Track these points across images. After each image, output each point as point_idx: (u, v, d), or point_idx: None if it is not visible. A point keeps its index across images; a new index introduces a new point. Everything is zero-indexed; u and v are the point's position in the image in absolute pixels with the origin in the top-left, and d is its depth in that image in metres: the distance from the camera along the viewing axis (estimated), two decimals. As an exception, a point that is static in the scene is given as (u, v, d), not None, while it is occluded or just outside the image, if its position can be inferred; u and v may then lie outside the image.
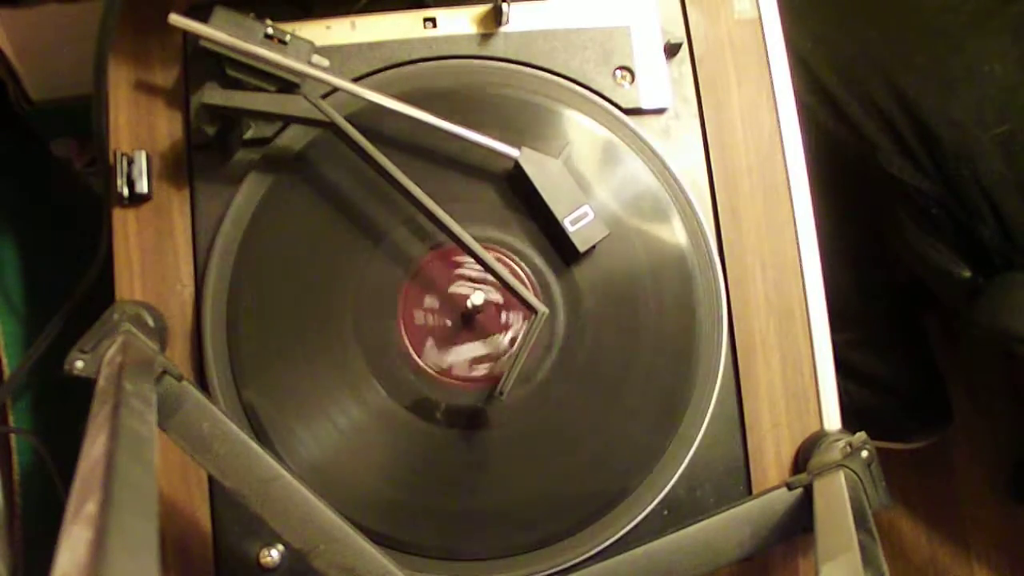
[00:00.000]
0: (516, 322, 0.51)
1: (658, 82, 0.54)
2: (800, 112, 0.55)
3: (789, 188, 0.54)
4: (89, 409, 0.36)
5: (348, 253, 0.51)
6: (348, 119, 0.49)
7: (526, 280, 0.51)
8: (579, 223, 0.50)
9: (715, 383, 0.52)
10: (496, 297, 0.51)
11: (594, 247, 0.51)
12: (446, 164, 0.52)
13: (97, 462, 0.31)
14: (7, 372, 0.60)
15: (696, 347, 0.51)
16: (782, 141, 0.55)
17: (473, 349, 0.51)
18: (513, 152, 0.50)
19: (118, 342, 0.42)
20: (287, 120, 0.51)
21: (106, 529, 0.27)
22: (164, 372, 0.42)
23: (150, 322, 0.47)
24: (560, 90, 0.54)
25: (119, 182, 0.50)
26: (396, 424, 0.49)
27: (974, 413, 1.01)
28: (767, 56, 0.56)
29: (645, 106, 0.54)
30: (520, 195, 0.52)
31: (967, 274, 0.69)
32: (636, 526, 0.50)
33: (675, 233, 0.53)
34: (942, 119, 0.65)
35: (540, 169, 0.50)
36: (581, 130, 0.53)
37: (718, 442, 0.51)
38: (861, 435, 0.47)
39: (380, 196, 0.51)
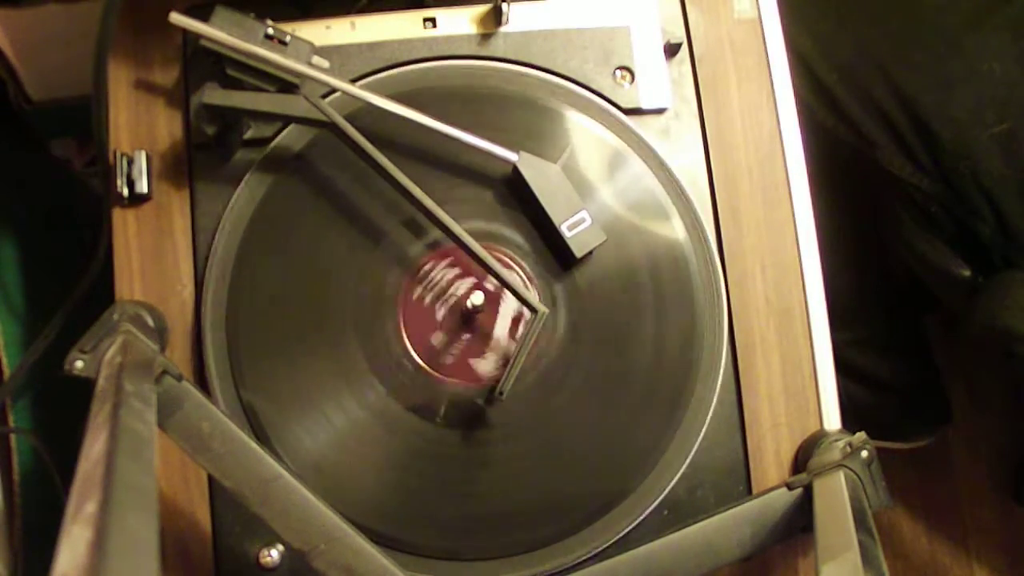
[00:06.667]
0: (516, 322, 0.51)
1: (658, 82, 0.54)
2: (800, 112, 0.55)
3: (789, 188, 0.54)
4: (89, 409, 0.36)
5: (348, 253, 0.51)
6: (348, 119, 0.49)
7: (526, 280, 0.51)
8: (576, 228, 0.50)
9: (715, 383, 0.52)
10: (496, 297, 0.51)
11: (591, 252, 0.51)
12: (446, 164, 0.52)
13: (97, 462, 0.31)
14: (7, 372, 0.60)
15: (696, 347, 0.51)
16: (782, 141, 0.55)
17: (473, 349, 0.51)
18: (512, 156, 0.50)
19: (118, 342, 0.42)
20: (287, 120, 0.51)
21: (106, 529, 0.27)
22: (164, 372, 0.42)
23: (150, 322, 0.47)
24: (560, 90, 0.54)
25: (119, 182, 0.50)
26: (396, 424, 0.49)
27: (974, 413, 1.01)
28: (767, 56, 0.56)
29: (645, 106, 0.54)
30: (519, 196, 0.52)
31: (967, 273, 0.69)
32: (636, 526, 0.50)
33: (675, 233, 0.53)
34: (942, 117, 0.65)
35: (538, 173, 0.50)
36: (581, 130, 0.53)
37: (718, 442, 0.51)
38: (861, 435, 0.47)
39: (380, 196, 0.51)
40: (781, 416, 0.52)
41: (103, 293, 0.51)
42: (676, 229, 0.53)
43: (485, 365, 0.50)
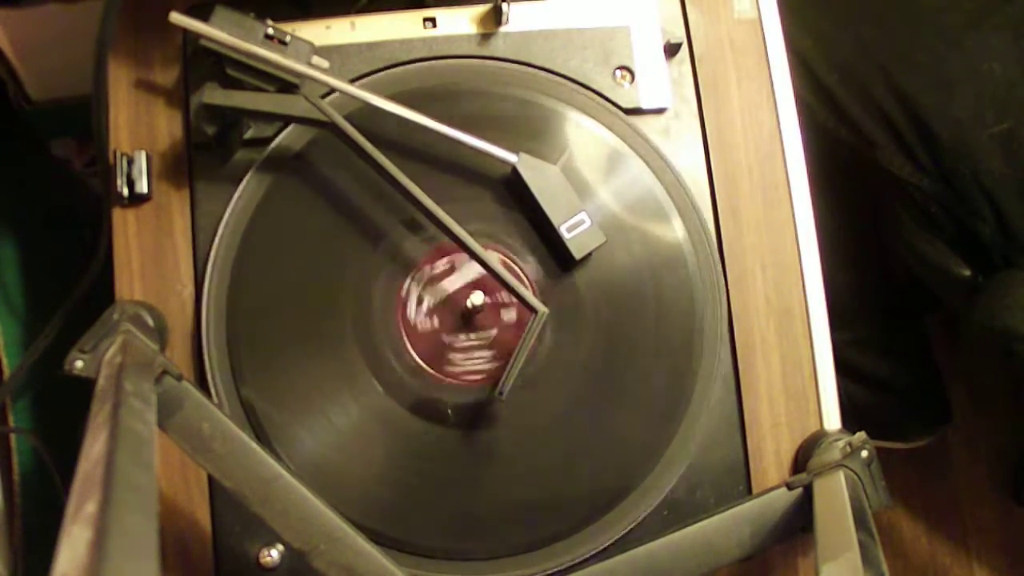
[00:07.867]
0: (516, 322, 0.51)
1: (658, 82, 0.54)
2: (800, 112, 0.55)
3: (789, 188, 0.54)
4: (89, 409, 0.36)
5: (348, 253, 0.51)
6: (348, 119, 0.49)
7: (526, 280, 0.51)
8: (576, 230, 0.50)
9: (715, 383, 0.52)
10: (496, 297, 0.51)
11: (591, 253, 0.51)
12: (446, 164, 0.52)
13: (97, 462, 0.31)
14: (7, 372, 0.60)
15: (696, 347, 0.51)
16: (782, 141, 0.55)
17: (472, 349, 0.51)
18: (511, 158, 0.50)
19: (118, 342, 0.42)
20: (287, 120, 0.51)
21: (106, 529, 0.27)
22: (164, 372, 0.42)
23: (150, 322, 0.47)
24: (560, 90, 0.54)
25: (119, 182, 0.50)
26: (395, 424, 0.50)
27: (974, 413, 1.01)
28: (767, 56, 0.56)
29: (645, 106, 0.54)
30: (519, 196, 0.51)
31: (966, 272, 0.69)
32: (636, 526, 0.50)
33: (675, 233, 0.53)
34: (942, 117, 0.65)
35: (538, 175, 0.50)
36: (581, 130, 0.53)
37: (718, 442, 0.51)
38: (861, 435, 0.47)
39: (380, 196, 0.51)
40: (781, 416, 0.52)
41: (103, 293, 0.51)
42: (676, 229, 0.53)
43: (485, 365, 0.50)
